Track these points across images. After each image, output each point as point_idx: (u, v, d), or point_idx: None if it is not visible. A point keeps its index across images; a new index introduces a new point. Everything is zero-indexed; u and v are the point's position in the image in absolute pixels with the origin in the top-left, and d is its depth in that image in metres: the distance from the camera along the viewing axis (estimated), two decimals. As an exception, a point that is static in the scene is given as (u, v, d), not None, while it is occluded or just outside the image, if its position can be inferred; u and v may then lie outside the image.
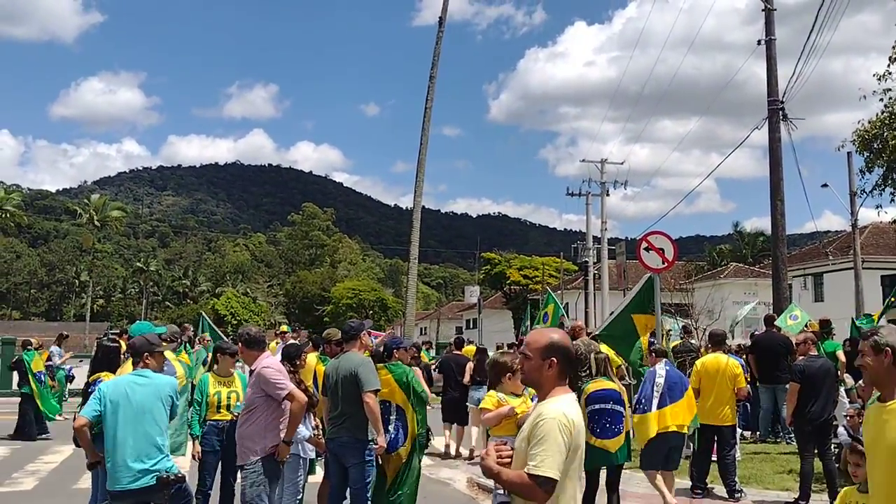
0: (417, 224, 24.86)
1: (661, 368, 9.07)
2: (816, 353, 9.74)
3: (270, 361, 6.53)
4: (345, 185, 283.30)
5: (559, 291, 56.31)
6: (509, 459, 3.38)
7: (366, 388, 6.67)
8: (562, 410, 3.30)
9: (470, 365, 13.25)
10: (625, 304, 11.92)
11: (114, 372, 6.94)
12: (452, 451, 13.11)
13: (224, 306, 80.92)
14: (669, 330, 16.53)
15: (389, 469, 7.16)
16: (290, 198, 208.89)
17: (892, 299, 16.28)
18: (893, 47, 15.16)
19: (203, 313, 25.32)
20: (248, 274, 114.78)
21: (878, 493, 3.47)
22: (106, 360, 7.27)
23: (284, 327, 20.68)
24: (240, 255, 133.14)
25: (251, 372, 6.48)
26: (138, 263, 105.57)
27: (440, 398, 14.30)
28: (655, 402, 8.74)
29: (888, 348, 3.46)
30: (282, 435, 6.26)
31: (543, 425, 3.25)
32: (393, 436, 7.13)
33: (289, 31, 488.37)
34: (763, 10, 17.42)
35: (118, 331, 13.95)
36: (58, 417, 15.55)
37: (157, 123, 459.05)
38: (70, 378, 20.09)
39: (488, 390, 6.49)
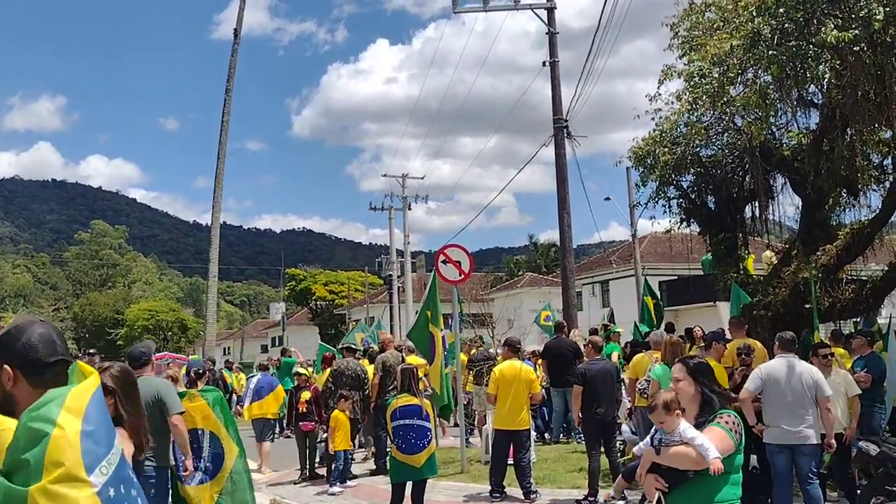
0: (216, 241, 24.09)
1: (256, 377, 14.25)
2: (598, 357, 10.44)
3: None
4: (139, 200, 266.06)
5: (365, 305, 56.60)
6: None
7: (172, 412, 6.48)
8: None
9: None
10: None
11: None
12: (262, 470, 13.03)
13: (2, 334, 74.39)
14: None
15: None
16: (78, 215, 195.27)
17: (649, 301, 17.41)
18: (662, 70, 16.51)
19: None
20: (31, 297, 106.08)
21: None
22: None
23: None
24: (20, 276, 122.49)
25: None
26: None
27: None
28: (248, 399, 13.55)
29: None
30: None
31: None
32: (208, 465, 6.72)
33: (79, 42, 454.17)
34: (547, 34, 18.48)
35: None
36: None
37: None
38: None
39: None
